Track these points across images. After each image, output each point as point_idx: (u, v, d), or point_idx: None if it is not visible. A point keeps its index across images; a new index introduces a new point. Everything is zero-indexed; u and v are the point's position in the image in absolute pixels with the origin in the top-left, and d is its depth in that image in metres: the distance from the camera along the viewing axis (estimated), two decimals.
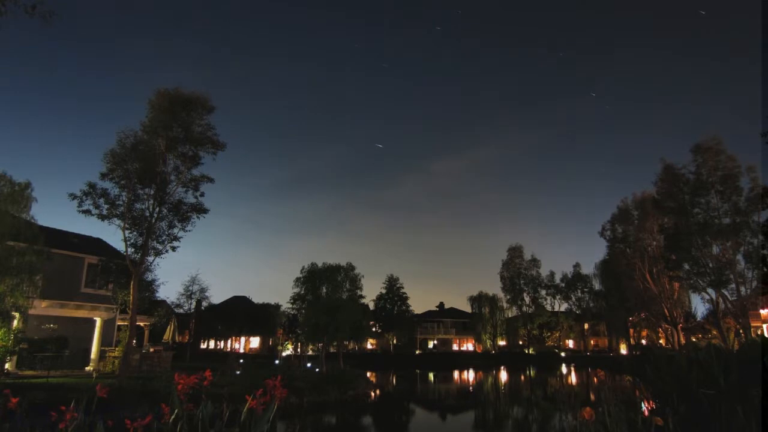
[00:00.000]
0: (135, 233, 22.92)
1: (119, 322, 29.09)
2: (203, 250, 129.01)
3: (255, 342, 66.04)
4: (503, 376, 48.14)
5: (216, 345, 65.79)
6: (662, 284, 42.86)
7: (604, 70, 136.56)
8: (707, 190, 32.58)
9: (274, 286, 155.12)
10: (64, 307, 25.19)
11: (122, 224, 22.50)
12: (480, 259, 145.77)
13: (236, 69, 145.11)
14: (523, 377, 47.61)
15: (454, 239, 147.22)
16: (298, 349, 46.84)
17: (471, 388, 39.26)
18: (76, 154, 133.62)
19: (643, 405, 6.30)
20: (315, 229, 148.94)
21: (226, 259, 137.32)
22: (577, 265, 74.64)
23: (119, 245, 24.99)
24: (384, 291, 73.54)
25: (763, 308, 40.76)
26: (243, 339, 64.97)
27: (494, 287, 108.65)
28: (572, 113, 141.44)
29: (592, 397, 24.43)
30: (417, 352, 71.69)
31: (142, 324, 31.25)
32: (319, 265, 39.26)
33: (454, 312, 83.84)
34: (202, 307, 56.01)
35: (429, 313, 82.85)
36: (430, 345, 78.63)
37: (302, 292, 39.94)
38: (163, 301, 46.24)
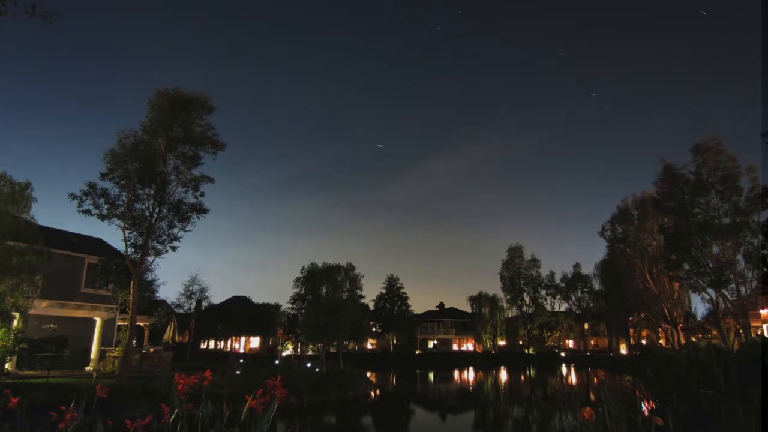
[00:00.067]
0: (135, 233, 22.95)
1: (119, 322, 29.10)
2: (203, 250, 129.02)
3: (255, 342, 66.04)
4: (503, 376, 48.12)
5: (216, 345, 65.77)
6: (662, 284, 42.85)
7: (604, 70, 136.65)
8: (707, 190, 32.59)
9: (274, 286, 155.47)
10: (64, 307, 25.19)
11: (122, 224, 22.51)
12: (480, 259, 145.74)
13: (236, 69, 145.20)
14: (523, 377, 47.59)
15: (454, 239, 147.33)
16: (298, 349, 46.83)
17: (471, 388, 39.23)
18: (76, 154, 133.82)
19: (643, 405, 6.30)
20: (315, 229, 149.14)
21: (226, 259, 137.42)
22: (577, 265, 74.79)
23: (119, 245, 25.07)
24: (384, 291, 73.59)
25: (763, 308, 40.76)
26: (243, 339, 64.96)
27: (494, 287, 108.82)
28: (572, 113, 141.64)
29: (592, 397, 24.42)
30: (417, 352, 71.66)
31: (142, 324, 31.26)
32: (319, 265, 39.32)
33: (454, 312, 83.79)
34: (202, 307, 56.02)
35: (429, 313, 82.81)
36: (430, 345, 78.60)
37: (302, 292, 39.95)
38: (163, 301, 46.25)
